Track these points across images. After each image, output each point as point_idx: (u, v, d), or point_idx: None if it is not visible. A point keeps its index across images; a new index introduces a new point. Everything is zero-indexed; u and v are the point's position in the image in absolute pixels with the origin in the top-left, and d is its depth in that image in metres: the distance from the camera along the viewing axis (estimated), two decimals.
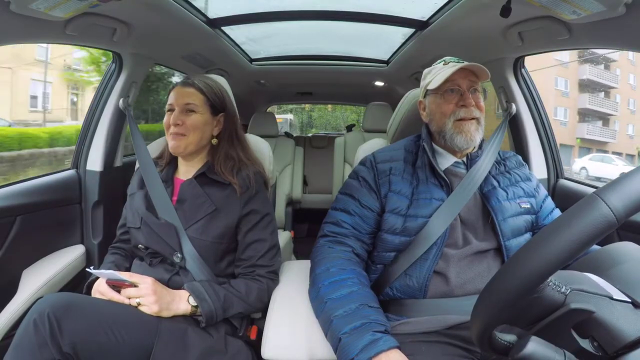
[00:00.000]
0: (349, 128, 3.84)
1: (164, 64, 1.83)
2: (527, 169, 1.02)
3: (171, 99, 0.99)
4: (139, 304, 0.82)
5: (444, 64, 0.95)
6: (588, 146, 16.34)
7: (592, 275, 0.51)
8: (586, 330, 0.47)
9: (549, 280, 0.46)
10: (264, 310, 0.95)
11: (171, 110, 0.99)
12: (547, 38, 1.18)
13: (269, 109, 4.23)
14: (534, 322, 0.49)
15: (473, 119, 0.91)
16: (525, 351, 0.45)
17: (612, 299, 0.47)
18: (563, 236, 0.42)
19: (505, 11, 1.01)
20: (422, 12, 1.54)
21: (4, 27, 0.96)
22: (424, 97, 1.00)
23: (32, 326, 0.70)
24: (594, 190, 0.44)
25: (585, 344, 0.46)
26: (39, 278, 1.22)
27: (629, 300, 0.47)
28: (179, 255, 0.93)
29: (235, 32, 1.88)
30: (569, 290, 0.47)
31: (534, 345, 0.45)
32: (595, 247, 0.76)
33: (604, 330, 0.45)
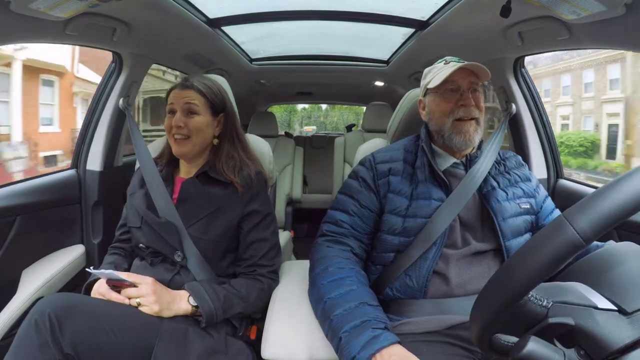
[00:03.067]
0: (349, 128, 3.84)
1: (164, 64, 1.83)
2: (526, 169, 1.02)
3: (171, 101, 0.99)
4: (139, 304, 0.82)
5: (444, 64, 0.95)
6: None
7: (579, 284, 0.51)
8: (572, 340, 0.47)
9: (529, 295, 0.47)
10: (264, 310, 0.95)
11: (172, 112, 0.98)
12: (547, 38, 1.18)
13: (269, 109, 4.24)
14: (522, 334, 0.49)
15: (472, 119, 0.91)
16: (525, 351, 0.45)
17: (596, 308, 0.47)
18: (532, 259, 0.44)
19: (505, 11, 1.01)
20: (422, 12, 1.54)
21: (4, 27, 0.96)
22: (424, 96, 1.00)
23: (33, 326, 0.70)
24: (593, 190, 0.45)
25: (570, 353, 0.47)
26: (38, 278, 1.22)
27: (615, 308, 0.47)
28: (179, 254, 0.93)
29: (235, 32, 1.88)
30: (550, 304, 0.48)
31: (534, 345, 0.45)
32: (596, 243, 0.77)
33: (589, 339, 0.46)
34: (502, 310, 0.46)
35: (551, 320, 0.47)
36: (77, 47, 1.46)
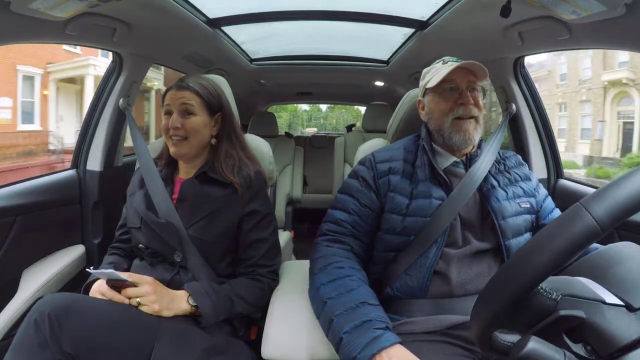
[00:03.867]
0: (349, 128, 3.84)
1: (164, 64, 1.84)
2: (526, 168, 1.02)
3: (167, 102, 0.98)
4: (139, 303, 0.82)
5: (442, 63, 0.95)
6: None
7: (585, 279, 0.51)
8: (579, 335, 0.47)
9: (539, 287, 0.47)
10: (264, 310, 0.95)
11: (168, 113, 0.98)
12: (547, 38, 1.18)
13: (269, 109, 4.24)
14: (528, 328, 0.49)
15: (471, 117, 0.91)
16: (525, 351, 0.45)
17: (604, 303, 0.47)
18: (548, 247, 0.44)
19: (505, 11, 1.01)
20: (422, 12, 1.54)
21: (4, 27, 0.96)
22: (423, 96, 1.00)
23: (33, 326, 0.70)
24: (593, 190, 0.44)
25: (577, 348, 0.46)
26: (39, 278, 1.22)
27: (623, 304, 0.47)
28: (179, 254, 0.93)
29: (235, 32, 1.88)
30: (559, 297, 0.47)
31: (534, 345, 0.45)
32: (595, 245, 0.77)
33: (596, 334, 0.46)
34: (512, 299, 0.46)
35: (562, 312, 0.46)
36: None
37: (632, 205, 0.41)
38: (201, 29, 1.57)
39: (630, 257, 0.54)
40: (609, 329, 0.45)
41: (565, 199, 1.38)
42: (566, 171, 1.54)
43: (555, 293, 0.48)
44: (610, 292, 0.48)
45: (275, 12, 1.67)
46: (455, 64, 0.90)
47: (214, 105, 1.01)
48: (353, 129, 3.63)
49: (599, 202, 0.42)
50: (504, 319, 0.48)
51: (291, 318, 0.89)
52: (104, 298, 0.84)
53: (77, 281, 1.34)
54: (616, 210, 0.41)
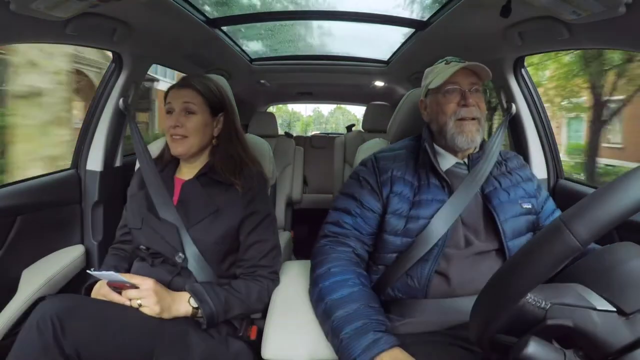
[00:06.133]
0: (349, 128, 3.84)
1: (164, 64, 1.83)
2: (528, 169, 1.02)
3: (169, 100, 0.98)
4: (140, 305, 0.82)
5: (445, 64, 0.95)
6: None
7: (577, 285, 0.51)
8: (570, 342, 0.48)
9: (527, 297, 0.48)
10: (264, 311, 0.95)
11: (170, 112, 0.98)
12: (547, 38, 1.18)
13: (269, 109, 4.24)
14: (520, 335, 0.49)
15: (474, 119, 0.91)
16: (525, 351, 0.45)
17: (595, 309, 0.47)
18: (529, 263, 0.44)
19: (505, 11, 1.01)
20: (422, 12, 1.55)
21: (4, 27, 0.96)
22: (425, 96, 1.00)
23: (35, 328, 0.70)
24: (593, 190, 0.45)
25: (569, 354, 0.47)
26: (39, 278, 1.22)
27: (614, 309, 0.47)
28: (180, 255, 0.92)
29: (235, 32, 1.88)
30: (548, 305, 0.48)
31: (535, 345, 0.45)
32: (593, 245, 0.77)
33: (587, 341, 0.46)
34: (499, 313, 0.47)
35: (549, 321, 0.47)
36: None
37: (612, 219, 0.41)
38: (201, 29, 1.57)
39: (624, 260, 0.53)
40: (600, 335, 0.45)
41: (565, 199, 1.37)
42: None
43: (544, 302, 0.48)
44: (602, 297, 0.49)
45: (275, 12, 1.67)
46: (459, 65, 0.89)
47: (216, 105, 1.01)
48: (352, 129, 3.63)
49: (578, 217, 0.42)
50: (497, 327, 0.49)
51: (291, 318, 0.89)
52: (105, 300, 0.84)
53: (77, 281, 1.34)
54: (595, 225, 0.42)
